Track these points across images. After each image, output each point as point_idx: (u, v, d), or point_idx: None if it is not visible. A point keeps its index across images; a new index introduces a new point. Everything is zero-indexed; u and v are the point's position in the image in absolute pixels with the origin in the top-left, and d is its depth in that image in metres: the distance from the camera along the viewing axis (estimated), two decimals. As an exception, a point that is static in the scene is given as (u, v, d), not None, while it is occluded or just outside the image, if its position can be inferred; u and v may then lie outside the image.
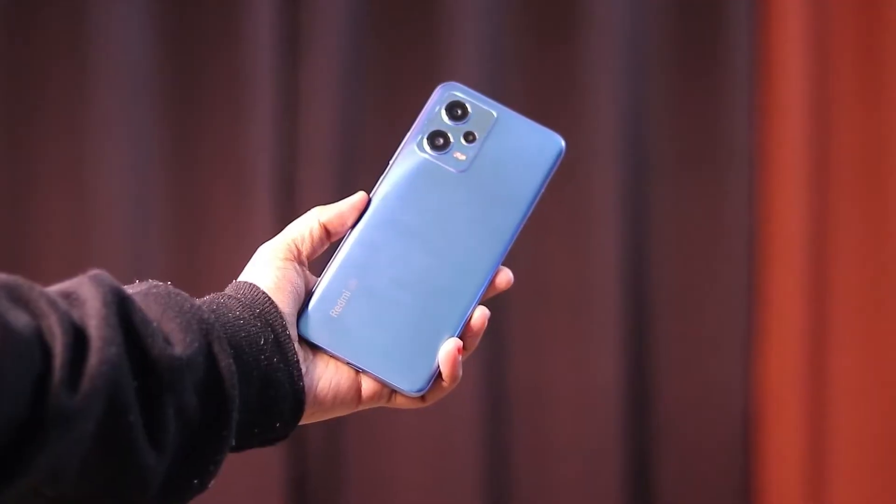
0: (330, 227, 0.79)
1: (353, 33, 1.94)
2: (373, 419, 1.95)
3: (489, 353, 1.98)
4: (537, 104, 1.99)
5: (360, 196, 0.80)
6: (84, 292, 0.64)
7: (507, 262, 2.05)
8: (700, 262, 2.05)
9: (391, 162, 0.80)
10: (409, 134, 0.81)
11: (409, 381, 0.76)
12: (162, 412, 0.65)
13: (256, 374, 0.71)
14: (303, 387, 0.73)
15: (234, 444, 0.69)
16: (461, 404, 1.96)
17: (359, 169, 1.93)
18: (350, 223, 0.79)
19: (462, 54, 1.95)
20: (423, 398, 0.78)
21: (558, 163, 0.81)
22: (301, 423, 0.74)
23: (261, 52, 1.90)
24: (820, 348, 2.05)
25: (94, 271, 0.66)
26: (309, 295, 0.77)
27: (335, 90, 1.93)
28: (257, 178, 1.91)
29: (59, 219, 1.87)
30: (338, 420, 1.92)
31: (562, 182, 1.97)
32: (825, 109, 2.04)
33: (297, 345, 0.75)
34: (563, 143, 0.81)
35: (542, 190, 0.80)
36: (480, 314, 0.78)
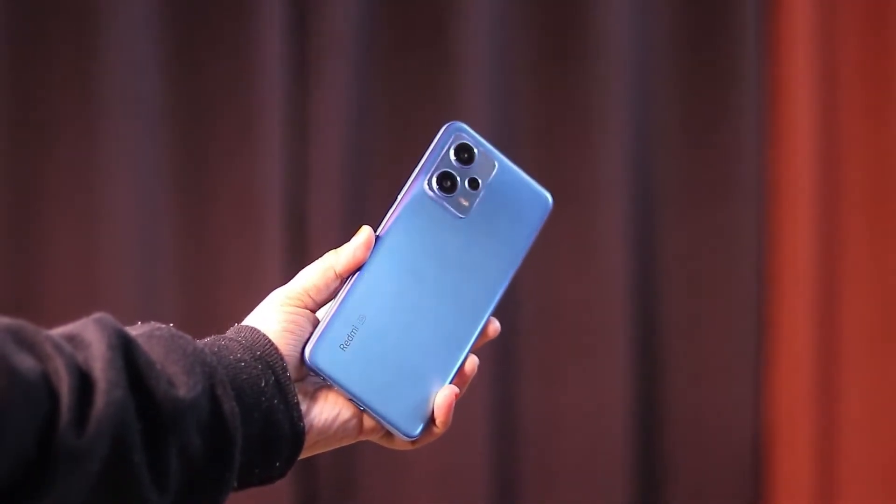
0: (344, 276, 0.80)
1: (362, 63, 1.95)
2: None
3: (500, 378, 1.98)
4: (545, 131, 2.00)
5: (367, 233, 0.81)
6: (88, 335, 0.66)
7: (517, 288, 2.06)
8: (709, 286, 2.05)
9: (400, 196, 0.83)
10: (417, 169, 0.84)
11: (406, 426, 0.80)
12: (165, 453, 0.66)
13: (257, 416, 0.72)
14: (303, 428, 0.75)
15: (235, 484, 0.70)
16: (472, 428, 1.97)
17: (369, 199, 1.94)
18: (363, 262, 0.81)
19: (470, 81, 1.96)
20: (413, 442, 0.80)
21: (546, 219, 0.86)
22: (305, 455, 0.76)
23: (270, 83, 1.91)
24: (830, 373, 2.05)
25: (98, 314, 0.68)
26: (315, 324, 0.80)
27: (345, 120, 1.94)
28: (267, 210, 1.91)
29: (68, 252, 1.88)
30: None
31: (571, 208, 1.99)
32: (834, 137, 2.05)
33: (297, 386, 0.76)
34: (551, 201, 0.86)
35: (530, 246, 0.85)
36: (472, 363, 0.81)
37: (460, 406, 2.12)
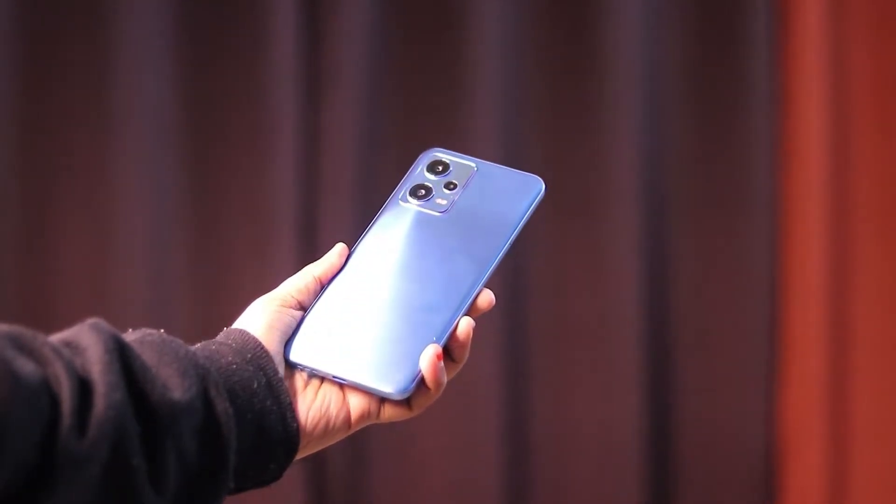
0: (323, 279, 0.82)
1: (375, 75, 1.96)
2: (395, 455, 1.96)
3: (512, 389, 1.98)
4: (556, 143, 2.00)
5: (341, 245, 0.83)
6: (84, 340, 0.66)
7: (529, 301, 2.05)
8: (721, 299, 2.05)
9: (375, 217, 0.85)
10: (392, 193, 0.86)
11: (392, 384, 0.78)
12: (163, 456, 0.66)
13: (251, 418, 0.73)
14: (296, 428, 0.75)
15: (231, 486, 0.71)
16: (484, 440, 1.97)
17: (379, 209, 1.94)
18: (339, 267, 0.83)
19: (480, 95, 1.97)
20: (409, 405, 0.79)
21: (538, 200, 0.85)
22: (300, 455, 0.76)
23: (283, 94, 1.91)
24: (841, 384, 2.04)
25: (92, 319, 0.68)
26: (297, 328, 0.80)
27: (356, 131, 1.95)
28: (279, 219, 1.92)
29: (81, 259, 1.89)
30: (360, 455, 1.93)
31: (583, 221, 1.99)
32: (846, 150, 2.04)
33: (287, 384, 0.77)
34: (542, 183, 0.85)
35: (524, 223, 0.84)
36: (466, 324, 0.79)
37: (472, 417, 2.12)
